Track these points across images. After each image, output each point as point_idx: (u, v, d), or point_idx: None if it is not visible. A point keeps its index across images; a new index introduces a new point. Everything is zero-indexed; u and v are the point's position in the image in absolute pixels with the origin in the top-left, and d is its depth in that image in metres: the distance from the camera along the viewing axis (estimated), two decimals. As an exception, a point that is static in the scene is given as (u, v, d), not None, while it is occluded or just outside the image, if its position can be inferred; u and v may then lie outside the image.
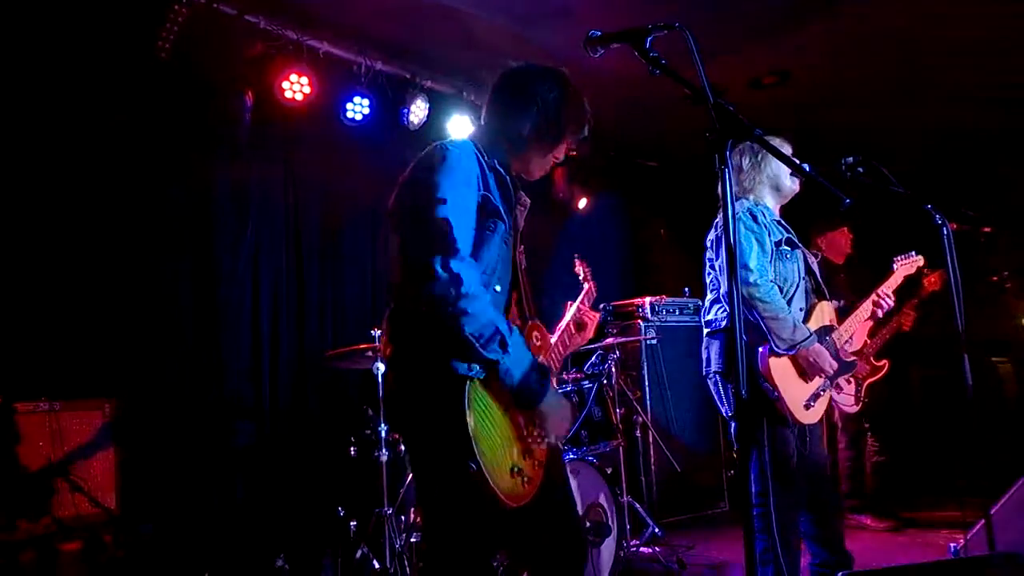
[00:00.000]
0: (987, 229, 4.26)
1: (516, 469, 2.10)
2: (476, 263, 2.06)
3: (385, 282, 5.30)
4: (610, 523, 4.03)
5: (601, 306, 6.03)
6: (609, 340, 4.93)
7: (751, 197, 3.30)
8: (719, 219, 3.31)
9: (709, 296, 3.40)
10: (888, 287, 3.62)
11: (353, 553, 3.94)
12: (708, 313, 3.38)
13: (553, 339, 2.47)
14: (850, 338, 3.47)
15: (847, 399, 4.07)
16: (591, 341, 4.99)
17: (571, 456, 4.01)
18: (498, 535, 2.21)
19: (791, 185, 3.32)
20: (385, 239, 5.30)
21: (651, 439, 5.58)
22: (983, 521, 3.11)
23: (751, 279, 3.07)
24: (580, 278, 2.91)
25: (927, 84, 5.71)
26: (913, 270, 3.79)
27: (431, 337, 2.03)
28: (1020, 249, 5.60)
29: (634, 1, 4.43)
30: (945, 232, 3.17)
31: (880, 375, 4.70)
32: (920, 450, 6.49)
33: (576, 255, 3.03)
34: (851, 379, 4.09)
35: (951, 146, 6.76)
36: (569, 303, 2.69)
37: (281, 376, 4.83)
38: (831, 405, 3.81)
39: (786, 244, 3.23)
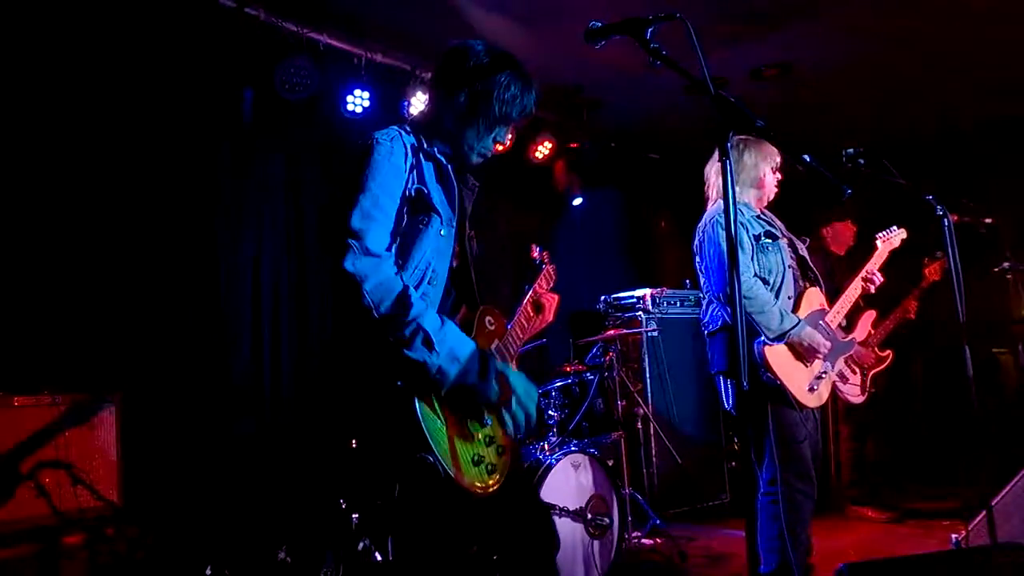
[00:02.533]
0: (988, 220, 4.26)
1: (476, 457, 2.06)
2: (405, 261, 2.02)
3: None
4: (612, 515, 4.04)
5: (602, 298, 6.04)
6: (610, 332, 4.93)
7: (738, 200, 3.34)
8: (701, 224, 3.40)
9: (704, 299, 3.46)
10: (874, 264, 3.71)
11: (355, 546, 3.95)
12: (705, 315, 3.44)
13: (510, 323, 2.40)
14: (845, 322, 3.58)
15: (853, 389, 4.09)
16: (592, 333, 5.03)
17: (573, 448, 4.02)
18: (467, 526, 2.20)
19: (771, 183, 3.42)
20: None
21: (652, 431, 5.59)
22: (984, 512, 3.12)
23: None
24: (537, 262, 2.86)
25: (930, 74, 5.70)
26: (898, 243, 3.84)
27: (366, 339, 1.98)
28: (1021, 240, 5.59)
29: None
30: (946, 223, 3.17)
31: (884, 365, 4.71)
32: (922, 441, 6.50)
33: (532, 243, 2.95)
34: (856, 369, 4.12)
35: (953, 137, 6.74)
36: (527, 286, 2.61)
37: (283, 369, 4.83)
38: (834, 396, 3.85)
39: (766, 237, 3.31)
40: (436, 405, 2.00)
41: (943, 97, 6.07)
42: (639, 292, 5.92)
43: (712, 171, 3.47)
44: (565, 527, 3.80)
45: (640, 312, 5.83)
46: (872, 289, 3.66)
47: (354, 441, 4.06)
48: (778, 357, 3.17)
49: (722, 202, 3.30)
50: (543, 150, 6.06)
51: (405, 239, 2.04)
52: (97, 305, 4.04)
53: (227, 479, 4.42)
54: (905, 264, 3.80)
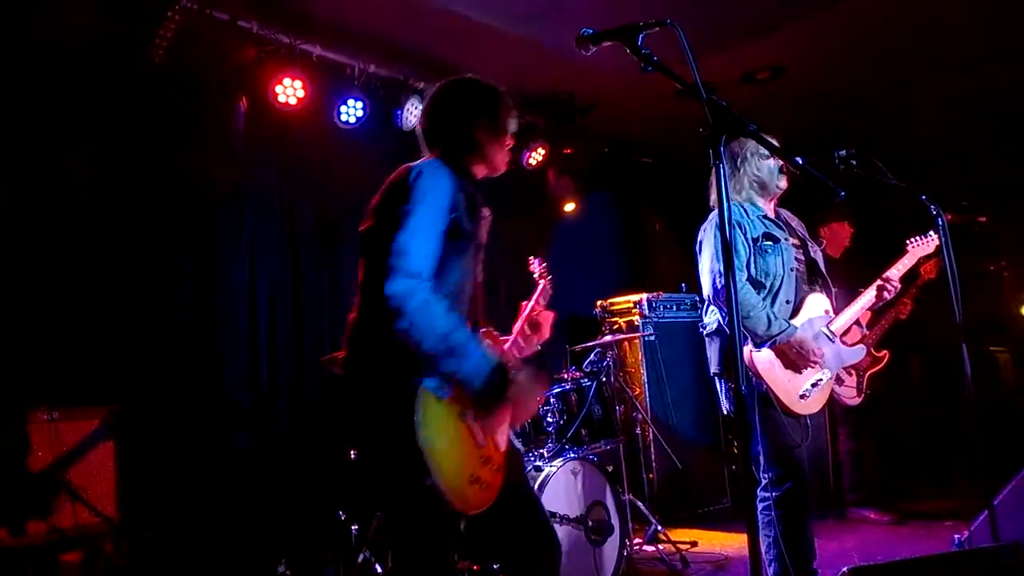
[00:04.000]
0: (982, 219, 4.26)
1: (474, 477, 2.13)
2: (441, 284, 2.12)
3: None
4: (612, 522, 4.02)
5: (598, 303, 6.03)
6: (607, 338, 4.93)
7: (738, 200, 3.31)
8: (703, 224, 3.35)
9: (703, 301, 3.43)
10: (898, 271, 3.56)
11: (355, 558, 3.93)
12: (704, 316, 3.41)
13: (508, 343, 2.52)
14: (848, 329, 3.46)
15: (848, 391, 4.07)
16: (589, 339, 5.03)
17: (572, 455, 4.01)
18: (464, 543, 2.26)
19: (776, 183, 3.33)
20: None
21: (651, 436, 5.58)
22: (986, 512, 3.11)
23: (720, 283, 3.11)
24: (535, 276, 2.90)
25: (922, 78, 5.71)
26: (931, 249, 3.64)
27: (386, 351, 2.06)
28: (1017, 239, 5.61)
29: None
30: (941, 223, 3.17)
31: (881, 366, 4.69)
32: (921, 441, 6.50)
33: (530, 256, 3.03)
34: (852, 371, 4.09)
35: (946, 140, 6.76)
36: (524, 303, 2.69)
37: (280, 381, 4.82)
38: (832, 398, 3.79)
39: (766, 239, 3.23)
40: (444, 418, 2.08)
41: (936, 100, 6.09)
42: (635, 297, 5.91)
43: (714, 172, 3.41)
44: (566, 535, 3.79)
45: (637, 317, 5.83)
46: (888, 297, 3.51)
47: (353, 452, 4.07)
48: (765, 363, 3.12)
49: (727, 203, 3.28)
50: (536, 156, 6.07)
51: (444, 264, 2.16)
52: (93, 320, 4.03)
53: (225, 493, 4.41)
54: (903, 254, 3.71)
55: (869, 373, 4.55)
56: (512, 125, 2.48)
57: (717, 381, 3.36)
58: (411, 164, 2.26)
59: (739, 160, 3.32)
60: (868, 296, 3.49)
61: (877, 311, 4.34)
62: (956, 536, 3.51)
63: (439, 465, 2.01)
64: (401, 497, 2.12)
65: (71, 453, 3.47)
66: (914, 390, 7.01)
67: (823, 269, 3.42)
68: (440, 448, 2.03)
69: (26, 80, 3.94)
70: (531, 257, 3.01)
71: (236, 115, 4.64)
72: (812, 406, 3.19)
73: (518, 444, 2.39)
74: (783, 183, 3.34)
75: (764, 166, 3.30)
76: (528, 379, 2.21)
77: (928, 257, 3.72)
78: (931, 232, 3.63)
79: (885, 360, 4.71)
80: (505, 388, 2.11)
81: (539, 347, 2.69)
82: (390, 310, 1.99)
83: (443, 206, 2.16)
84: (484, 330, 2.37)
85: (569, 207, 6.63)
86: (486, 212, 2.43)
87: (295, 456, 4.71)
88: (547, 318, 2.66)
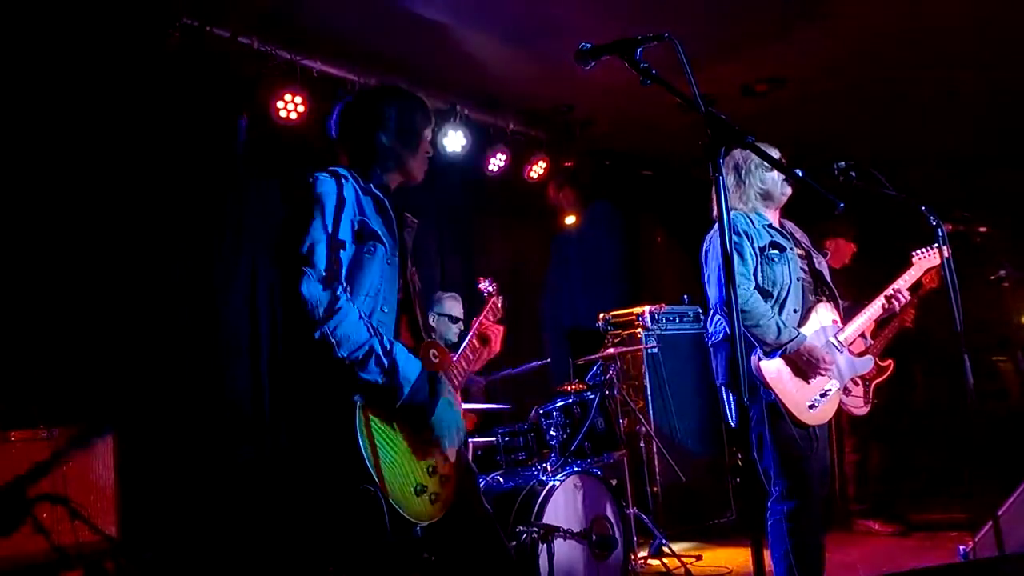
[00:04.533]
0: (982, 229, 4.26)
1: (419, 487, 2.15)
2: (355, 287, 2.15)
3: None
4: (616, 536, 4.00)
5: (600, 316, 6.03)
6: (610, 350, 4.92)
7: (744, 210, 3.30)
8: (708, 234, 3.35)
9: (708, 311, 3.41)
10: (905, 282, 3.54)
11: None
12: (710, 326, 3.39)
13: (456, 356, 2.55)
14: (855, 339, 3.45)
15: (856, 401, 4.05)
16: (592, 351, 5.02)
17: (575, 469, 4.00)
18: (410, 554, 2.28)
19: (781, 191, 3.31)
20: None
21: (655, 449, 5.56)
22: (991, 523, 3.10)
23: (726, 292, 3.08)
24: (484, 294, 2.95)
25: (918, 90, 5.73)
26: (937, 261, 3.56)
27: (318, 364, 2.08)
28: (1017, 249, 5.60)
29: (624, 12, 4.46)
30: (940, 233, 3.17)
31: (886, 376, 4.68)
32: (925, 452, 6.47)
33: (479, 277, 3.08)
34: (859, 380, 4.08)
35: (947, 151, 6.77)
36: (474, 319, 2.74)
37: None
38: (840, 408, 3.77)
39: (772, 248, 3.21)
40: (383, 428, 2.10)
41: (934, 111, 6.10)
42: (638, 309, 5.91)
43: (730, 180, 3.38)
44: (569, 550, 3.77)
45: (639, 329, 5.82)
46: (897, 308, 3.50)
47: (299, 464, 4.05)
48: (774, 372, 3.09)
49: (726, 215, 3.28)
50: (537, 170, 6.09)
51: (354, 267, 2.19)
52: (92, 338, 4.03)
53: (226, 508, 4.39)
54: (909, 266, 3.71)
55: (875, 383, 4.53)
56: (426, 135, 2.49)
57: (724, 392, 3.33)
58: (314, 173, 2.29)
59: (743, 171, 3.31)
60: (875, 307, 3.49)
61: (881, 321, 4.34)
62: (961, 547, 3.49)
63: (380, 473, 2.02)
64: (344, 505, 2.13)
65: (70, 482, 3.46)
66: (918, 400, 6.99)
67: (828, 280, 3.41)
68: (379, 455, 2.05)
69: (23, 92, 3.96)
70: (480, 278, 3.06)
71: (237, 131, 4.65)
72: (820, 416, 3.17)
73: (467, 457, 2.41)
74: (788, 190, 3.32)
75: (768, 177, 3.29)
76: (449, 403, 2.25)
77: (931, 269, 3.71)
78: (936, 244, 3.58)
79: (890, 370, 4.70)
80: (433, 400, 2.16)
81: (522, 367, 2.73)
82: (304, 313, 2.01)
83: (343, 210, 2.19)
84: (428, 341, 2.38)
85: (570, 220, 6.64)
86: (410, 219, 2.48)
87: (296, 470, 4.68)
88: (497, 332, 2.70)
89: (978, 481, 5.08)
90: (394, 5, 4.35)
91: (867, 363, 3.42)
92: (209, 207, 4.66)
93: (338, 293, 2.05)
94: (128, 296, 4.21)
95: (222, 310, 4.63)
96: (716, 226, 3.32)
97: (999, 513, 3.16)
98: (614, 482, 4.22)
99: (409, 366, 2.13)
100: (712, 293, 3.26)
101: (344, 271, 2.13)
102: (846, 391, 3.71)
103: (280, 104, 4.61)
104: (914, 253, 3.68)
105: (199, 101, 4.49)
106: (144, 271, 4.30)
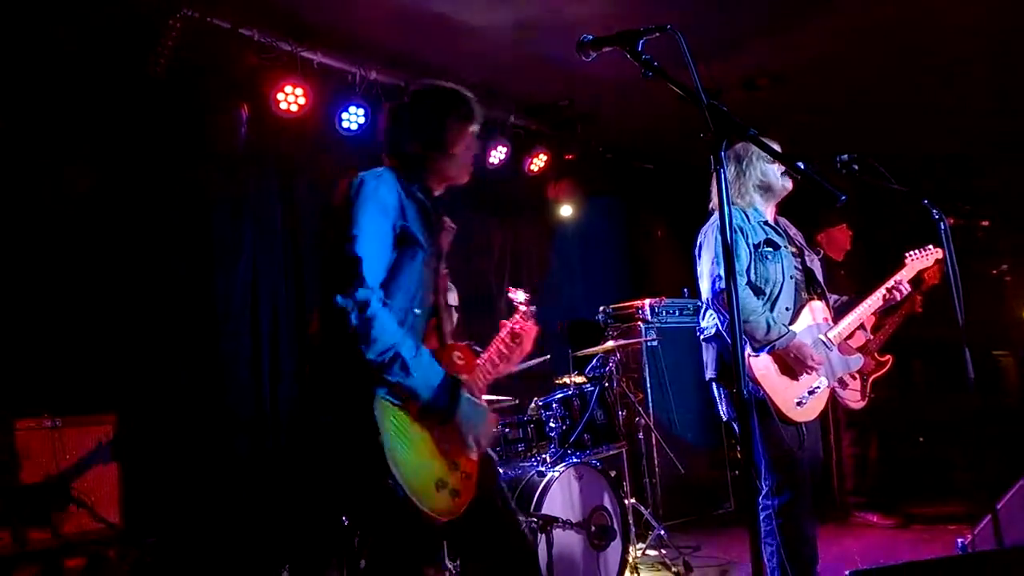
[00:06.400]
0: (984, 223, 4.26)
1: (441, 483, 2.16)
2: (394, 291, 2.17)
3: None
4: (615, 527, 4.02)
5: (600, 308, 6.04)
6: (610, 343, 4.93)
7: (740, 204, 3.29)
8: (703, 228, 3.34)
9: (701, 305, 3.41)
10: (902, 278, 3.54)
11: (358, 563, 3.92)
12: (701, 320, 3.39)
13: (482, 359, 2.53)
14: (852, 334, 3.45)
15: (853, 395, 4.05)
16: (591, 344, 5.02)
17: (574, 461, 4.01)
18: (432, 549, 2.29)
19: (782, 184, 3.30)
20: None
21: (654, 441, 5.58)
22: (989, 516, 3.11)
23: (719, 286, 3.09)
24: (515, 303, 2.91)
25: (923, 83, 5.72)
26: (931, 263, 3.65)
27: (348, 359, 2.10)
28: (1019, 243, 5.60)
29: (626, 5, 4.45)
30: (943, 227, 3.17)
31: (884, 371, 4.69)
32: (924, 445, 6.49)
33: (508, 287, 3.06)
34: (856, 375, 4.08)
35: (948, 145, 6.76)
36: (503, 322, 2.71)
37: (282, 386, 4.82)
38: (835, 402, 3.78)
39: (767, 245, 3.21)
40: (406, 423, 2.11)
41: (937, 106, 6.09)
42: (638, 302, 5.91)
43: (730, 172, 3.37)
44: (568, 540, 3.79)
45: (639, 322, 5.83)
46: (899, 298, 3.49)
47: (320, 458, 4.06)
48: (762, 368, 3.09)
49: (727, 208, 3.27)
50: (538, 163, 6.08)
51: (395, 271, 2.21)
52: (96, 328, 4.04)
53: (228, 499, 4.41)
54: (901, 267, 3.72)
55: (873, 377, 4.54)
56: (466, 138, 2.46)
57: (714, 386, 3.33)
58: (361, 173, 2.30)
59: (744, 163, 3.29)
60: (875, 299, 3.48)
61: (882, 315, 4.34)
62: (960, 540, 3.50)
63: (401, 468, 2.04)
64: (366, 499, 2.16)
65: (74, 470, 3.48)
66: (917, 394, 7.00)
67: (820, 278, 3.41)
68: (401, 450, 2.07)
69: (27, 87, 3.95)
70: (510, 288, 3.02)
71: (238, 123, 4.65)
72: (808, 413, 3.17)
73: (491, 452, 2.43)
74: (789, 184, 3.31)
75: (770, 169, 3.27)
76: (475, 404, 2.25)
77: (926, 269, 3.72)
78: (930, 245, 3.64)
79: (888, 365, 4.71)
80: (454, 403, 2.16)
81: (522, 363, 2.71)
82: (340, 313, 2.04)
83: (386, 214, 2.21)
84: (453, 343, 2.39)
85: (566, 210, 6.63)
86: (448, 223, 2.48)
87: (297, 462, 4.70)
88: (530, 331, 2.69)
89: (977, 474, 5.09)
90: (395, -3, 4.35)
91: (856, 361, 3.41)
92: (210, 198, 4.66)
93: (374, 297, 2.08)
94: (130, 288, 4.22)
95: (223, 302, 4.63)
96: (710, 220, 3.32)
97: (998, 506, 3.16)
98: (613, 473, 4.23)
99: (432, 372, 2.15)
100: (704, 287, 3.26)
101: (384, 274, 2.16)
102: (844, 385, 3.73)
103: (281, 96, 4.60)
104: (908, 254, 3.69)
105: (199, 93, 4.48)
106: (146, 263, 4.31)
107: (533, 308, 2.84)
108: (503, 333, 2.65)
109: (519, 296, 2.90)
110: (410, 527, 2.12)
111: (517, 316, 2.75)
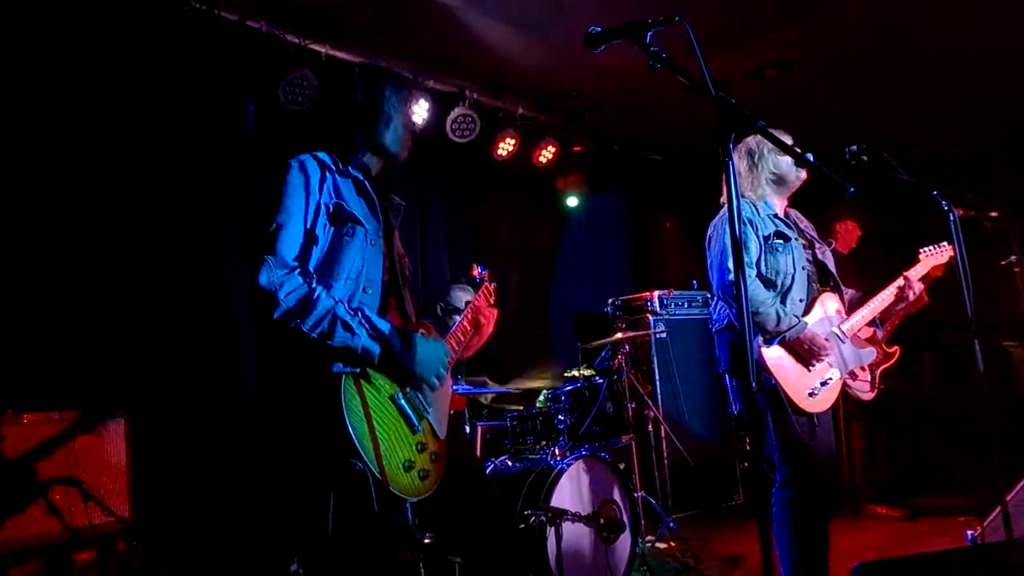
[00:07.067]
0: (993, 214, 4.23)
1: (407, 463, 2.16)
2: (332, 268, 2.19)
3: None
4: (624, 519, 4.02)
5: (609, 300, 6.03)
6: (618, 335, 4.92)
7: (752, 198, 3.28)
8: (713, 220, 3.33)
9: (712, 297, 3.40)
10: (914, 275, 3.52)
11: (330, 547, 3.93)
12: (713, 313, 3.39)
13: (447, 338, 2.56)
14: (862, 328, 3.44)
15: (863, 386, 4.04)
16: (600, 336, 5.02)
17: (583, 453, 4.01)
18: (401, 530, 2.31)
19: (795, 175, 3.29)
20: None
21: (663, 433, 5.57)
22: (999, 508, 3.10)
23: (728, 278, 3.09)
24: (477, 280, 2.96)
25: (931, 73, 5.67)
26: (944, 259, 3.60)
27: (291, 343, 2.11)
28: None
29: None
30: (952, 218, 3.15)
31: (892, 361, 4.67)
32: (934, 437, 6.46)
33: (473, 263, 3.10)
34: (865, 367, 4.08)
35: (957, 135, 6.71)
36: (469, 301, 2.77)
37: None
38: (845, 395, 3.76)
39: (777, 237, 3.20)
40: (371, 402, 2.11)
41: (945, 95, 6.04)
42: (646, 294, 5.90)
43: (742, 166, 3.34)
44: (577, 533, 3.79)
45: (648, 314, 5.82)
46: (911, 297, 3.46)
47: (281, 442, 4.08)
48: (775, 358, 3.10)
49: (736, 200, 3.26)
50: (547, 154, 6.07)
51: (333, 250, 2.23)
52: (106, 322, 4.05)
53: (238, 492, 4.42)
54: (910, 259, 3.69)
55: (881, 369, 4.52)
56: (401, 115, 2.50)
57: (726, 379, 3.34)
58: (289, 158, 2.34)
59: (756, 156, 3.29)
60: (887, 295, 3.46)
61: (887, 309, 4.32)
62: (970, 532, 3.49)
63: (368, 450, 2.04)
64: (334, 484, 2.17)
65: (84, 465, 3.49)
66: (927, 386, 6.97)
67: (834, 270, 3.40)
68: (368, 433, 2.07)
69: (33, 78, 3.96)
70: (474, 264, 3.08)
71: (246, 116, 4.65)
72: (820, 404, 3.17)
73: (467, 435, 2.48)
74: (803, 174, 3.30)
75: (782, 161, 3.26)
76: (429, 340, 2.28)
77: (939, 265, 3.70)
78: (944, 242, 3.61)
79: (896, 356, 4.68)
80: (410, 350, 2.17)
81: (482, 343, 2.74)
82: (264, 296, 2.05)
83: (311, 194, 2.23)
84: (418, 321, 2.41)
85: (572, 201, 6.63)
86: (396, 200, 2.51)
87: (285, 449, 4.71)
88: (490, 315, 2.73)
89: (987, 466, 5.07)
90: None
91: (871, 353, 3.42)
92: (218, 193, 4.66)
93: (295, 274, 2.09)
94: (139, 281, 4.23)
95: (234, 296, 4.64)
96: (720, 212, 3.31)
97: (1008, 498, 3.16)
98: (622, 466, 4.23)
99: (376, 322, 2.16)
100: (714, 279, 3.25)
101: (317, 254, 2.18)
102: (853, 376, 3.73)
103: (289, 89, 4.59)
104: (921, 250, 3.66)
105: (208, 86, 4.49)
106: (154, 257, 4.32)
107: (495, 285, 2.90)
108: (463, 317, 2.69)
109: (480, 273, 2.94)
110: (376, 505, 2.12)
111: (477, 297, 2.79)
